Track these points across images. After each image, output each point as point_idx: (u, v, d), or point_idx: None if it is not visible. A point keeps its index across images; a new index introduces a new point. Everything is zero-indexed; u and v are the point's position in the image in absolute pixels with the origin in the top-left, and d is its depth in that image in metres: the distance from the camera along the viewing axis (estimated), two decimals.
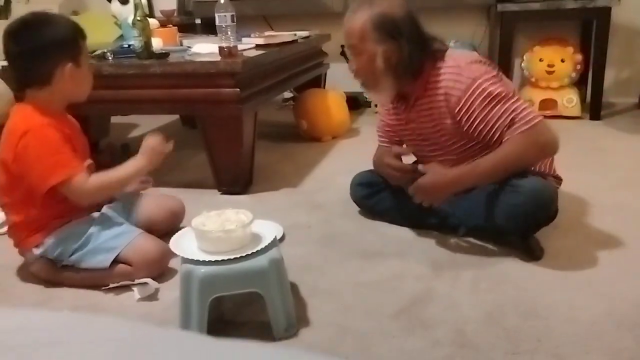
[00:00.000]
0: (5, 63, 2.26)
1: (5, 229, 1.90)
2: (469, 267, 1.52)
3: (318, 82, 3.22)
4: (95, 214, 1.58)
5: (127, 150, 2.69)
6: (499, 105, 1.49)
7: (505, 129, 1.49)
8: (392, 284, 1.45)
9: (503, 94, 1.49)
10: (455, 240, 1.69)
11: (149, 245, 1.53)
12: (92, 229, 1.53)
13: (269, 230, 1.30)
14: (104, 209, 1.60)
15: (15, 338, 0.40)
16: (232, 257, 1.19)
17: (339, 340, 1.23)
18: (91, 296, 1.46)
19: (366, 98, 3.60)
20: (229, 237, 1.21)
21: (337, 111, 2.92)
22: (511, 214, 1.50)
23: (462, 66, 1.54)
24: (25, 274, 1.59)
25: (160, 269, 1.53)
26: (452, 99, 1.54)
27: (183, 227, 1.34)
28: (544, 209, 1.52)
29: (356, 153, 2.60)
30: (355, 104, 3.45)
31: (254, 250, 1.21)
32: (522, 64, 3.27)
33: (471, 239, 1.68)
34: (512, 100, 1.50)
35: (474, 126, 1.53)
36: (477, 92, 1.50)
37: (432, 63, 1.58)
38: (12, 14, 3.50)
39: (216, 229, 1.21)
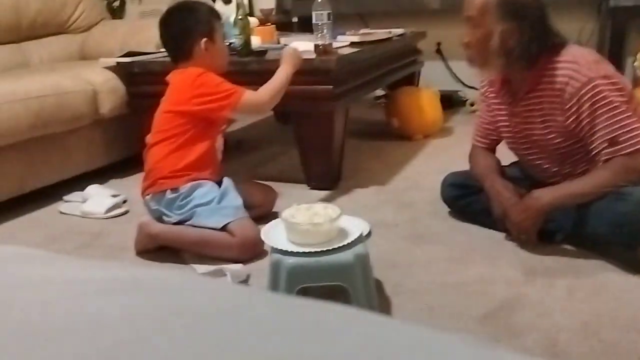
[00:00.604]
0: (120, 59, 2.46)
1: (117, 211, 2.07)
2: (564, 274, 1.45)
3: (412, 80, 3.18)
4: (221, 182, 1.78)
5: (241, 146, 2.78)
6: (608, 115, 1.42)
7: (606, 144, 1.42)
8: (480, 288, 1.42)
9: (616, 104, 1.41)
10: (551, 246, 1.61)
11: (253, 227, 1.65)
12: (219, 192, 1.71)
13: (355, 226, 1.31)
14: (226, 181, 1.77)
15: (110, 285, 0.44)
16: (319, 249, 1.21)
17: None
18: None
19: (461, 97, 3.51)
20: (316, 230, 1.24)
21: (429, 110, 2.87)
22: (617, 223, 1.41)
23: (581, 63, 1.46)
24: (129, 254, 1.71)
25: (254, 252, 1.62)
26: (565, 95, 1.47)
27: (274, 215, 1.39)
28: None
29: (448, 153, 2.56)
30: (450, 102, 3.37)
31: (341, 245, 1.23)
32: (635, 64, 3.05)
33: (568, 246, 1.60)
34: (625, 115, 1.41)
35: (581, 127, 1.46)
36: (591, 94, 1.43)
37: (549, 56, 1.51)
38: (126, 14, 3.77)
39: (305, 222, 1.25)
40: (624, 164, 1.42)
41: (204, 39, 1.81)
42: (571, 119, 1.48)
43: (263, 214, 1.84)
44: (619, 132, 1.41)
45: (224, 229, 1.63)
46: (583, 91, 1.43)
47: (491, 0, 1.48)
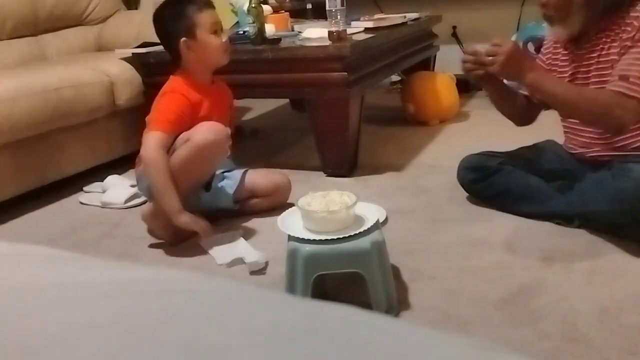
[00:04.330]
0: (136, 50, 2.47)
1: (135, 201, 2.09)
2: (582, 259, 1.44)
3: (427, 64, 3.16)
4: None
5: (257, 135, 2.78)
6: (638, 55, 1.40)
7: (617, 77, 1.40)
8: (498, 273, 1.41)
9: None
10: (569, 231, 1.59)
11: (275, 173, 1.76)
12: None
13: (372, 213, 1.31)
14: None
15: (130, 287, 0.44)
16: (335, 237, 1.22)
17: (441, 325, 1.22)
18: (206, 267, 1.56)
19: None
20: (333, 217, 1.24)
21: (445, 94, 2.85)
22: (617, 198, 1.41)
23: None
24: (148, 244, 1.74)
25: (285, 197, 1.81)
26: (629, 28, 1.44)
27: (289, 204, 1.39)
28: None
29: (465, 138, 2.53)
30: (466, 87, 3.33)
31: (357, 232, 1.23)
32: None
33: (586, 231, 1.58)
34: None
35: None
36: None
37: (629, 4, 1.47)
38: (141, 4, 3.78)
39: (321, 209, 1.25)
40: (615, 99, 1.39)
41: (183, 39, 1.71)
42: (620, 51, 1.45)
43: (275, 205, 1.83)
44: (635, 73, 1.39)
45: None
46: None
47: None
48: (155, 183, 1.62)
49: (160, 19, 1.76)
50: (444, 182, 1.99)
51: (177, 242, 1.69)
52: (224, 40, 1.78)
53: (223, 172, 1.85)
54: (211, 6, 1.77)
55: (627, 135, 1.53)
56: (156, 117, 1.69)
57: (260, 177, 1.86)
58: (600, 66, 1.51)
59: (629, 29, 1.44)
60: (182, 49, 1.72)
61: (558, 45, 1.66)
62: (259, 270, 1.51)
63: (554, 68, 1.67)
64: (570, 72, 1.61)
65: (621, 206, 1.41)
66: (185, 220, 1.61)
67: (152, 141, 1.63)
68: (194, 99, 1.74)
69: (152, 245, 1.72)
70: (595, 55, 1.53)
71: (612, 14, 1.48)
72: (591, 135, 1.61)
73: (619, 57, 1.46)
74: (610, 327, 1.16)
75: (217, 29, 1.76)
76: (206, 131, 1.64)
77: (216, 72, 1.86)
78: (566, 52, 1.63)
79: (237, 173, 1.85)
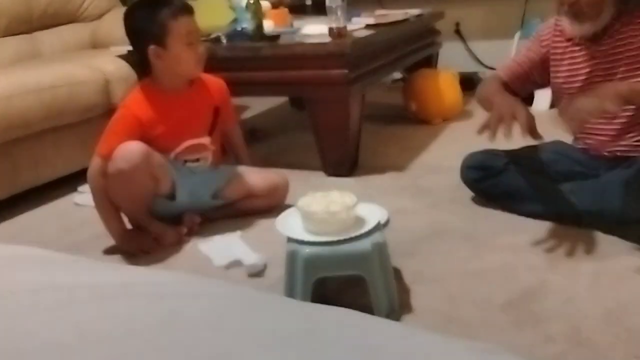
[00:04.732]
0: (130, 47, 2.44)
1: None
2: (589, 260, 1.41)
3: (430, 62, 3.13)
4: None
5: (256, 134, 2.76)
6: None
7: None
8: (502, 275, 1.38)
9: None
10: (575, 232, 1.56)
11: (273, 173, 1.74)
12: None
13: (373, 214, 1.29)
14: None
15: (140, 289, 0.43)
16: (335, 239, 1.19)
17: (443, 328, 1.20)
18: (204, 269, 1.54)
19: (481, 78, 3.45)
20: (333, 219, 1.22)
21: (448, 92, 2.82)
22: (635, 198, 1.38)
23: None
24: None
25: (283, 197, 1.78)
26: None
27: (288, 205, 1.37)
28: None
29: (469, 136, 2.48)
30: (470, 84, 3.30)
31: (358, 234, 1.20)
32: None
33: (593, 232, 1.55)
34: None
35: None
36: None
37: None
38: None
39: (321, 210, 1.22)
40: None
41: (152, 46, 1.58)
42: None
43: (272, 205, 1.79)
44: None
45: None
46: None
47: None
48: (97, 209, 1.66)
49: (130, 18, 1.62)
50: (446, 182, 1.96)
51: (134, 250, 1.66)
52: (200, 50, 1.65)
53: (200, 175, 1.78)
54: (189, 12, 1.62)
55: None
56: (102, 138, 1.62)
57: (257, 177, 1.83)
58: (631, 60, 1.48)
59: None
60: (150, 56, 1.60)
61: (560, 39, 1.62)
62: (258, 273, 1.49)
63: (558, 63, 1.64)
64: (587, 70, 1.58)
65: (638, 206, 1.39)
66: (129, 245, 1.65)
67: (91, 168, 1.62)
68: (147, 117, 1.64)
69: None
70: (622, 50, 1.50)
71: (636, 7, 1.46)
72: (609, 133, 1.58)
73: None
74: (615, 330, 1.14)
75: (192, 40, 1.62)
76: (118, 160, 1.56)
77: (206, 69, 1.76)
78: (578, 48, 1.60)
79: (217, 171, 1.79)
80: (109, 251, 1.69)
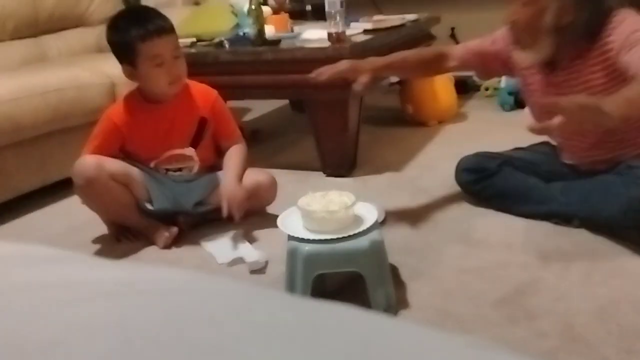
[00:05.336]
0: None
1: None
2: (580, 258, 1.45)
3: None
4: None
5: (257, 136, 2.77)
6: None
7: None
8: (496, 272, 1.42)
9: None
10: (567, 231, 1.60)
11: (258, 172, 1.76)
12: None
13: (371, 213, 1.32)
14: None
15: (141, 286, 0.44)
16: (334, 237, 1.23)
17: (439, 324, 1.23)
18: (207, 267, 1.57)
19: (475, 82, 3.48)
20: (332, 217, 1.25)
21: (444, 95, 2.85)
22: (631, 207, 1.40)
23: (628, 18, 1.35)
24: (148, 244, 1.74)
25: (270, 196, 1.79)
26: (611, 51, 1.36)
27: (288, 205, 1.40)
28: None
29: (463, 138, 2.54)
30: (464, 87, 3.34)
31: (356, 232, 1.24)
32: None
33: (584, 231, 1.58)
34: None
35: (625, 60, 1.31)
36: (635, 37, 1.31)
37: (603, 26, 1.37)
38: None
39: (320, 209, 1.26)
40: None
41: (124, 64, 1.62)
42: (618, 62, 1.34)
43: (261, 204, 1.81)
44: None
45: None
46: (627, 35, 1.32)
47: None
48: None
49: (107, 34, 1.65)
50: (442, 183, 1.99)
51: (118, 236, 1.76)
52: (175, 69, 1.63)
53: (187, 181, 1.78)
54: (162, 33, 1.57)
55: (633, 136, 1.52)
56: (89, 139, 1.72)
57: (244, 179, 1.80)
58: (590, 92, 1.43)
59: (609, 48, 1.37)
60: (124, 73, 1.66)
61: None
62: (259, 270, 1.52)
63: (517, 73, 1.63)
64: (539, 93, 1.57)
65: (635, 215, 1.40)
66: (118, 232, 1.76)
67: (76, 163, 1.68)
68: (125, 126, 1.69)
69: (152, 245, 1.73)
70: (579, 81, 1.47)
71: (587, 41, 1.42)
72: (584, 146, 1.59)
73: (611, 74, 1.39)
74: (608, 327, 1.16)
75: (163, 60, 1.59)
76: (74, 177, 1.65)
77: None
78: (534, 71, 1.57)
79: (200, 180, 1.79)
80: (115, 250, 1.73)
